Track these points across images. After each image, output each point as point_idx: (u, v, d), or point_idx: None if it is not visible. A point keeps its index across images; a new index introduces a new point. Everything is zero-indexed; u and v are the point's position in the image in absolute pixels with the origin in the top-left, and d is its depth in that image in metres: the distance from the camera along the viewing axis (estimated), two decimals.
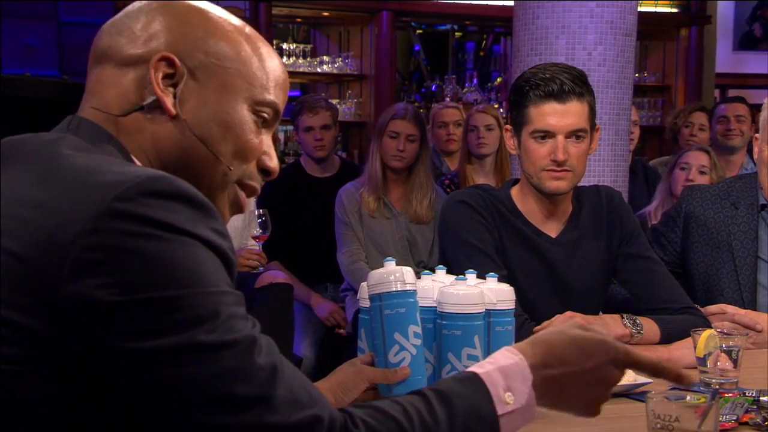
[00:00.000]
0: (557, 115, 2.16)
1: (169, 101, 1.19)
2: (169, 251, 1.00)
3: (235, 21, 1.25)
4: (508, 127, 2.26)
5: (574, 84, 2.16)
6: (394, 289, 1.63)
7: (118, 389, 1.00)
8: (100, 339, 0.98)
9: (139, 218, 1.00)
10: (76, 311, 0.98)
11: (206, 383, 0.99)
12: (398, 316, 1.63)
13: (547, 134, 2.17)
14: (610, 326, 2.07)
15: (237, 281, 1.12)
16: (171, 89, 1.19)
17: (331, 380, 1.61)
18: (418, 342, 1.65)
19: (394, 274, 1.63)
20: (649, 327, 2.12)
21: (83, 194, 1.02)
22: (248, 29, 1.26)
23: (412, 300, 1.65)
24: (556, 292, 2.25)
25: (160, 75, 1.18)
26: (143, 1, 1.23)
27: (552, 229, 2.27)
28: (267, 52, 1.26)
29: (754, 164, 4.85)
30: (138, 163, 1.18)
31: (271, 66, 1.25)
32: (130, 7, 1.23)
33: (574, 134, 2.17)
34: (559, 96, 2.15)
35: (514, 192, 2.29)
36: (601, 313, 2.36)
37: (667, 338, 2.13)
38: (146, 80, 1.18)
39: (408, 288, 1.65)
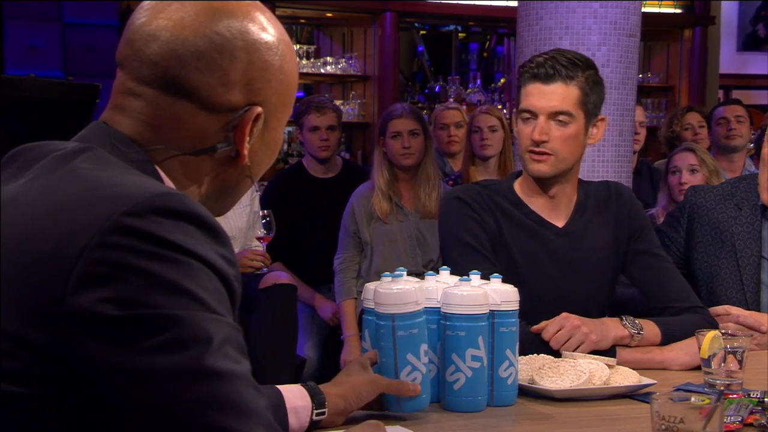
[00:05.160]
0: (539, 95, 2.18)
1: (246, 152, 1.20)
2: (173, 272, 0.99)
3: (288, 40, 1.23)
4: (515, 110, 2.28)
5: (564, 67, 2.17)
6: (408, 310, 1.64)
7: (112, 407, 1.00)
8: (97, 354, 0.97)
9: (147, 236, 0.99)
10: (78, 325, 0.97)
11: (192, 408, 0.98)
12: (411, 337, 1.65)
13: (530, 114, 2.19)
14: (610, 328, 2.07)
15: (241, 282, 1.11)
16: (248, 137, 1.19)
17: (344, 386, 1.60)
18: (427, 360, 1.67)
19: (409, 294, 1.64)
20: (650, 329, 2.12)
21: (93, 206, 1.01)
22: (293, 47, 1.25)
23: (423, 318, 1.67)
24: (563, 281, 2.24)
25: (248, 128, 1.18)
26: (228, 32, 1.15)
27: (558, 219, 2.27)
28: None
29: (753, 164, 4.90)
30: (172, 186, 1.16)
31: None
32: (213, 36, 1.14)
33: (556, 116, 2.18)
34: (544, 77, 2.17)
35: (518, 183, 2.29)
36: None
37: (668, 339, 2.13)
38: (228, 126, 1.17)
39: (421, 308, 1.66)
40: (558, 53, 2.21)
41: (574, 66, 2.18)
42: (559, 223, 2.27)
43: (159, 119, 1.16)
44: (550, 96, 2.17)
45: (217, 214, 1.24)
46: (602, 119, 2.25)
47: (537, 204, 2.26)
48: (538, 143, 2.17)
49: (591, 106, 2.21)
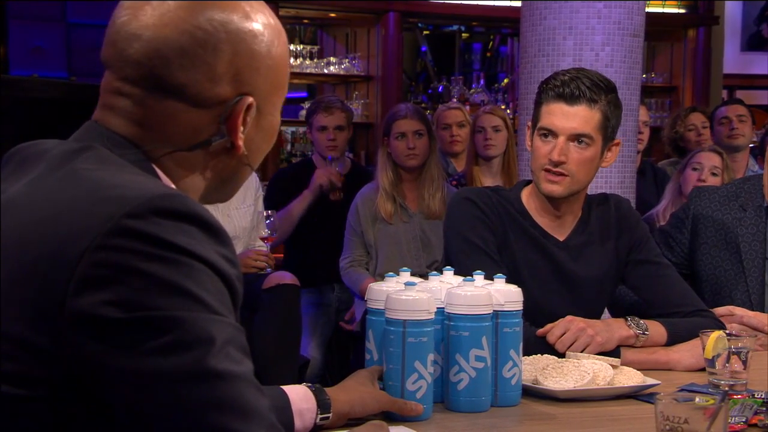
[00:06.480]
0: (562, 115, 2.16)
1: (241, 142, 1.18)
2: (174, 273, 0.99)
3: (274, 24, 1.21)
4: (529, 123, 2.27)
5: (588, 89, 2.15)
6: (420, 318, 1.64)
7: (114, 409, 1.00)
8: (99, 356, 0.97)
9: (148, 237, 0.99)
10: (79, 327, 0.97)
11: (194, 409, 0.98)
12: (421, 344, 1.65)
13: (550, 133, 2.18)
14: (614, 329, 2.07)
15: (244, 282, 1.11)
16: (242, 127, 1.18)
17: (352, 394, 1.61)
18: (433, 370, 1.67)
19: (422, 303, 1.65)
20: (655, 329, 2.12)
21: (94, 208, 1.01)
22: (282, 30, 1.23)
23: (433, 328, 1.67)
24: (563, 292, 2.25)
25: (240, 119, 1.17)
26: (209, 25, 1.13)
27: (560, 233, 2.28)
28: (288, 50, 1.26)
29: (757, 164, 4.90)
30: (170, 183, 1.16)
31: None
32: (195, 31, 1.12)
33: (577, 138, 2.17)
34: (569, 98, 2.16)
35: (525, 193, 2.29)
36: (608, 315, 2.36)
37: (674, 340, 2.13)
38: (220, 119, 1.16)
39: (432, 317, 1.66)
40: (581, 73, 2.19)
41: (597, 88, 2.17)
42: (560, 237, 2.28)
43: (149, 118, 1.14)
44: (573, 118, 2.16)
45: (222, 200, 1.24)
46: (617, 143, 2.25)
47: (542, 219, 2.27)
48: (556, 164, 2.17)
49: (610, 131, 2.21)
